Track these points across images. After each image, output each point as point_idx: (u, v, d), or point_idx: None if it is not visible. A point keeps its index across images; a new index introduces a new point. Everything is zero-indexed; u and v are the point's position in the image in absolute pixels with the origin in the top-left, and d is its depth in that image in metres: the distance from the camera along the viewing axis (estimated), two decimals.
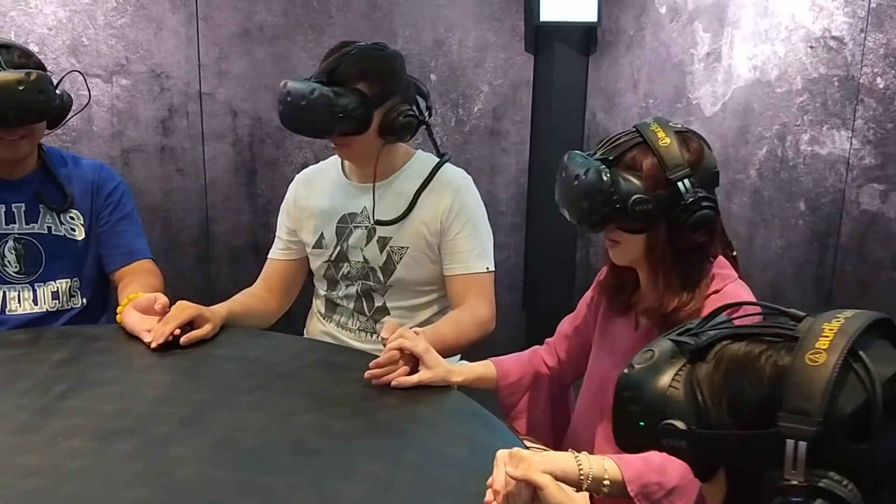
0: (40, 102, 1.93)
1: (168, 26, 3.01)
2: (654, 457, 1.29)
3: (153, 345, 1.82)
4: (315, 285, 2.24)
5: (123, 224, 2.20)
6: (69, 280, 2.14)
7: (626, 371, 0.95)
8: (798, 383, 0.81)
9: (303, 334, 2.30)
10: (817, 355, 0.81)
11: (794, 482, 0.79)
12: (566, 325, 1.85)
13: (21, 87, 1.89)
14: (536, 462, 1.21)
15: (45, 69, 2.02)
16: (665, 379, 0.92)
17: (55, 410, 1.56)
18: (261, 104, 3.16)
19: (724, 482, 0.90)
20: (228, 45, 3.10)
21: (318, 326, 2.22)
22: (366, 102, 1.92)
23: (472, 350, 1.99)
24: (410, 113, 1.98)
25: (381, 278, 2.10)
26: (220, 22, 3.07)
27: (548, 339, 1.87)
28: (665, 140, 1.48)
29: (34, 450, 1.42)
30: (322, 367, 1.81)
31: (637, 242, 1.54)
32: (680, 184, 1.46)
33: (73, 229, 2.14)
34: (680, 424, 0.89)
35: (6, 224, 2.08)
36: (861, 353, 0.81)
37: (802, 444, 0.79)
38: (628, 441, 0.97)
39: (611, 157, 1.50)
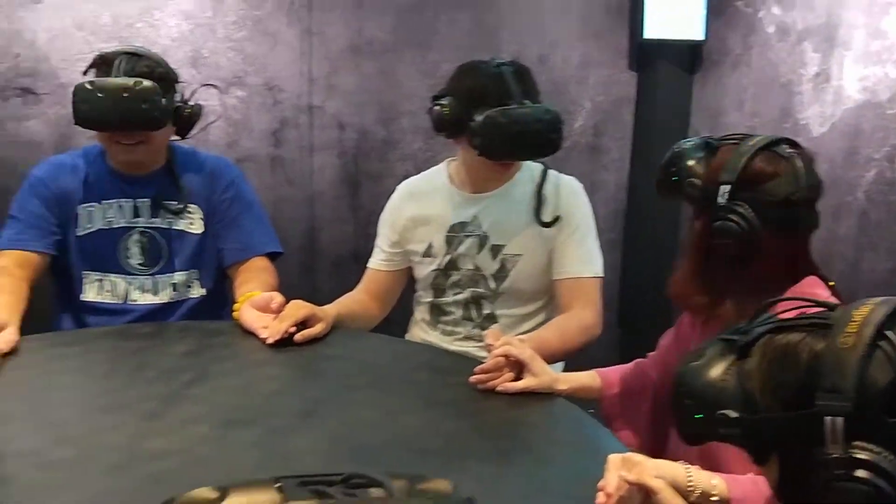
0: (142, 111, 1.98)
1: (283, 41, 3.13)
2: (762, 480, 1.30)
3: (269, 341, 1.89)
4: (418, 293, 2.29)
5: (242, 217, 2.26)
6: (188, 272, 2.23)
7: (680, 368, 1.04)
8: (832, 364, 0.88)
9: None
10: (848, 338, 0.88)
11: (836, 455, 0.86)
12: (667, 338, 1.86)
13: (125, 95, 1.97)
14: (650, 467, 1.23)
15: (173, 81, 2.12)
16: (716, 372, 1.00)
17: (180, 399, 1.65)
18: (367, 118, 3.25)
19: (776, 464, 0.97)
20: (339, 59, 3.20)
21: (420, 334, 2.27)
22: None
23: (570, 364, 2.02)
24: None
25: (493, 286, 2.15)
26: (332, 37, 3.18)
27: (651, 353, 1.88)
28: (746, 150, 1.50)
29: (162, 434, 1.50)
30: (428, 369, 1.86)
31: (690, 230, 1.62)
32: (722, 187, 1.49)
33: (192, 223, 2.23)
34: (732, 413, 0.97)
35: (132, 218, 2.19)
36: (888, 333, 0.88)
37: (839, 420, 0.85)
38: (689, 433, 1.05)
39: (715, 142, 1.58)
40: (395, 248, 2.24)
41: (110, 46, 2.92)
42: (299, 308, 1.95)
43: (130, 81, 1.98)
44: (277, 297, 2.00)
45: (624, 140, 3.41)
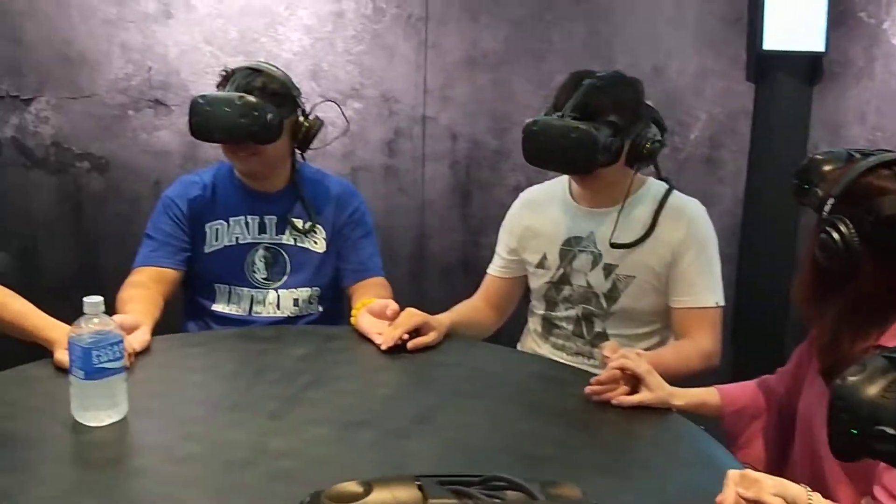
0: (241, 125, 2.06)
1: (400, 54, 3.20)
2: None
3: (382, 346, 1.94)
4: (532, 303, 2.30)
5: (362, 242, 2.34)
6: (309, 289, 2.30)
7: (839, 382, 1.02)
8: None
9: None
10: None
11: None
12: (800, 352, 1.79)
13: (227, 110, 2.06)
14: (769, 485, 1.21)
15: (289, 97, 2.19)
16: (876, 389, 0.98)
17: (300, 400, 1.71)
18: (479, 128, 3.29)
19: None
20: (453, 71, 3.25)
21: (532, 346, 2.28)
22: (619, 133, 1.96)
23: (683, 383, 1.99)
24: (658, 139, 2.01)
25: (604, 305, 2.13)
26: (447, 49, 3.23)
27: (780, 368, 1.83)
28: (864, 164, 1.46)
29: (283, 434, 1.56)
30: (540, 379, 1.87)
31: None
32: (829, 200, 1.47)
33: (316, 242, 2.30)
34: (890, 430, 0.95)
35: (259, 234, 2.28)
36: None
37: None
38: (842, 449, 1.03)
39: (855, 154, 1.53)
40: (513, 255, 2.26)
41: (236, 60, 3.05)
42: (413, 316, 1.99)
43: (235, 96, 2.08)
44: (392, 305, 2.05)
45: (741, 153, 3.35)
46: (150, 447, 1.54)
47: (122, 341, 1.59)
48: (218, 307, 2.29)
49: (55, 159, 3.02)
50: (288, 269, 2.29)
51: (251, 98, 2.08)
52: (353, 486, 0.55)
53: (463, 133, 3.32)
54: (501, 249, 2.29)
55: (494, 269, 2.31)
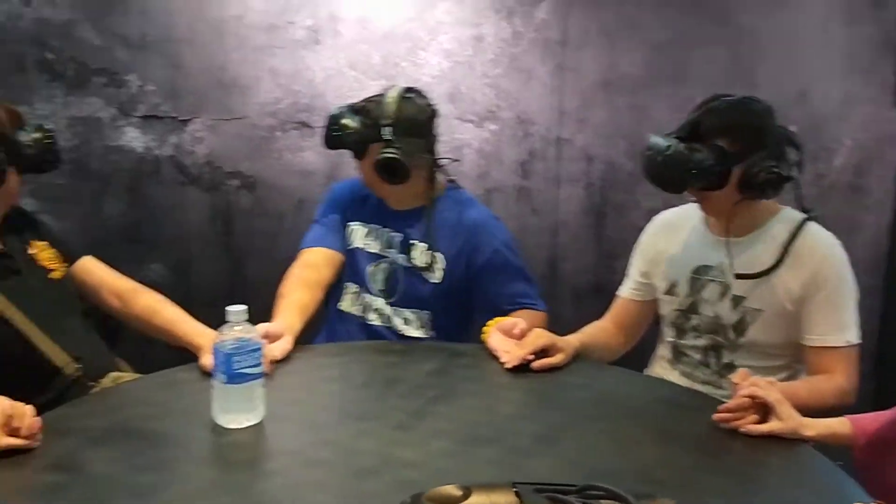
0: (340, 140, 2.26)
1: (536, 77, 3.24)
2: None
3: (507, 365, 1.97)
4: (662, 329, 2.28)
5: (504, 279, 2.33)
6: (419, 312, 2.35)
7: None
8: None
9: None
10: None
11: None
12: None
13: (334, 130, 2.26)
14: None
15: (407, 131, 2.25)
16: None
17: (426, 414, 1.75)
18: (615, 151, 3.29)
19: None
20: (590, 94, 3.26)
21: (661, 372, 2.25)
22: (725, 158, 1.92)
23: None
24: (774, 169, 1.92)
25: (732, 336, 2.08)
26: (585, 73, 3.24)
27: None
28: None
29: (409, 445, 1.60)
30: (668, 404, 1.86)
31: None
32: None
33: (433, 272, 2.33)
34: None
35: (385, 248, 2.36)
36: None
37: None
38: None
39: None
40: (644, 278, 2.25)
41: (378, 84, 3.17)
42: (540, 337, 2.01)
43: (336, 110, 2.26)
44: (521, 324, 2.07)
45: (887, 180, 3.22)
46: (284, 451, 1.62)
47: (261, 348, 1.68)
48: (345, 306, 2.40)
49: (208, 177, 3.20)
50: (400, 289, 2.34)
51: (347, 112, 2.26)
52: (452, 490, 0.58)
53: (598, 155, 3.32)
54: (633, 272, 2.28)
55: (626, 291, 2.30)
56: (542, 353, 2.00)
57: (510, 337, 2.07)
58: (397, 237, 2.36)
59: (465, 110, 3.25)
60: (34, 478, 1.50)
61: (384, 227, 2.37)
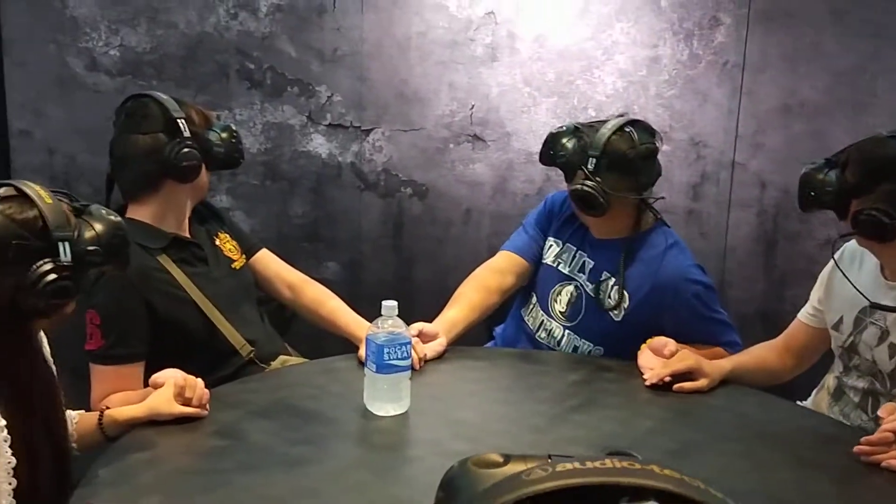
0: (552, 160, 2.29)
1: (712, 99, 3.22)
2: None
3: (646, 382, 2.00)
4: (834, 361, 2.17)
5: (693, 326, 2.25)
6: (593, 345, 2.31)
7: None
8: None
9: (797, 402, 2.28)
10: None
11: None
12: None
13: (549, 149, 2.30)
14: None
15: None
16: None
17: (564, 421, 1.81)
18: (791, 178, 3.18)
19: None
20: (767, 119, 3.20)
21: (826, 400, 2.16)
22: (842, 187, 1.84)
23: None
24: (875, 212, 1.78)
25: (888, 384, 1.97)
26: (763, 97, 3.19)
27: None
28: None
29: (543, 448, 1.64)
30: (810, 434, 1.83)
31: None
32: None
33: (616, 307, 2.27)
34: None
35: (577, 271, 2.35)
36: None
37: None
38: None
39: None
40: (820, 305, 2.14)
41: (550, 101, 3.25)
42: (685, 359, 2.02)
43: (554, 130, 2.31)
44: (671, 345, 2.08)
45: None
46: (424, 440, 1.73)
47: (409, 343, 1.80)
48: (525, 313, 2.44)
49: (384, 184, 3.38)
50: (580, 316, 2.32)
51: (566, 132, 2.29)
52: (494, 457, 0.65)
53: (773, 181, 3.25)
54: (814, 297, 2.17)
55: (803, 314, 2.19)
56: (688, 375, 2.01)
57: (659, 356, 2.08)
58: (590, 264, 2.34)
59: None
60: (201, 442, 1.68)
61: (580, 249, 2.36)
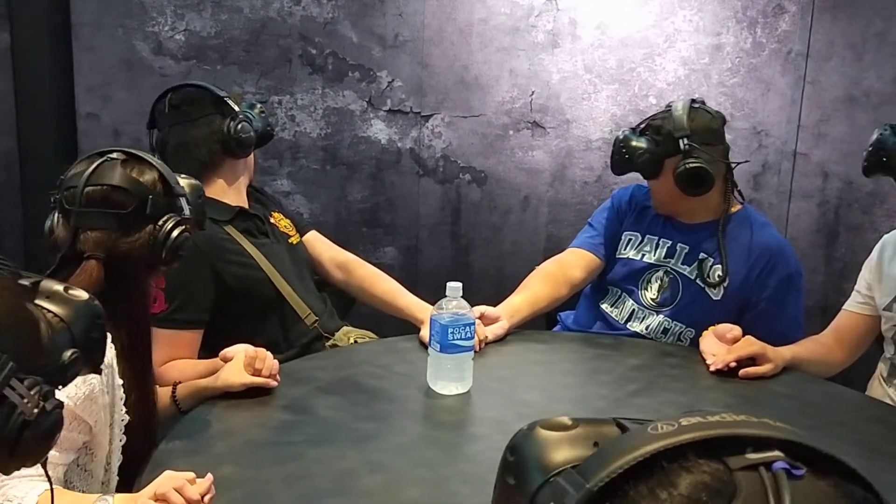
0: (618, 160, 2.29)
1: (776, 88, 3.18)
2: None
3: (711, 368, 2.00)
4: (883, 348, 2.21)
5: (773, 309, 2.26)
6: (685, 328, 2.29)
7: None
8: None
9: None
10: None
11: None
12: None
13: (616, 144, 2.29)
14: None
15: (675, 138, 2.21)
16: None
17: (626, 404, 1.82)
18: (854, 168, 3.15)
19: None
20: (832, 108, 3.16)
21: (879, 390, 2.18)
22: None
23: None
24: None
25: None
26: (827, 86, 3.15)
27: None
28: None
29: None
30: (880, 423, 1.81)
31: None
32: None
33: (715, 287, 2.27)
34: None
35: (665, 258, 2.34)
36: None
37: None
38: None
39: None
40: (869, 291, 2.17)
41: (611, 88, 3.25)
42: (750, 344, 2.01)
43: (622, 135, 2.29)
44: (735, 330, 2.07)
45: None
46: (486, 419, 1.75)
47: (473, 324, 1.82)
48: (606, 307, 2.41)
49: (443, 170, 3.40)
50: (677, 300, 2.31)
51: (633, 138, 2.28)
52: (564, 420, 0.66)
53: (836, 172, 3.21)
54: (860, 285, 2.21)
55: (852, 304, 2.22)
56: (752, 361, 2.00)
57: (723, 342, 2.08)
58: (684, 248, 2.33)
59: None
60: (271, 415, 1.72)
61: (666, 238, 2.35)
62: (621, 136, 2.29)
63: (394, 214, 3.45)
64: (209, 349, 1.98)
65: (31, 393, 0.89)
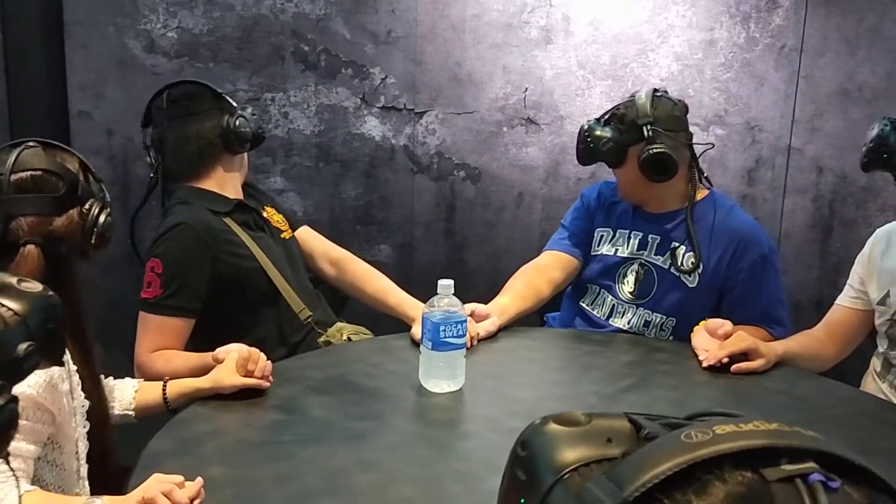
0: (585, 149, 2.29)
1: (769, 83, 3.18)
2: None
3: (703, 364, 1.99)
4: (876, 343, 2.21)
5: (751, 291, 2.28)
6: (665, 317, 2.31)
7: None
8: None
9: None
10: None
11: None
12: None
13: (583, 135, 2.29)
14: None
15: (639, 126, 2.22)
16: None
17: (618, 400, 1.82)
18: (849, 163, 3.16)
19: None
20: (825, 103, 3.16)
21: (872, 385, 2.18)
22: None
23: None
24: None
25: None
26: (821, 81, 3.15)
27: None
28: None
29: None
30: (870, 418, 1.81)
31: None
32: None
33: (689, 275, 2.29)
34: None
35: (637, 250, 2.35)
36: None
37: None
38: None
39: None
40: (861, 286, 2.18)
41: (605, 84, 3.24)
42: (742, 340, 2.01)
43: (586, 125, 2.30)
44: (726, 325, 2.07)
45: None
46: (479, 416, 1.75)
47: (465, 322, 1.81)
48: (587, 304, 2.42)
49: (437, 167, 3.39)
50: (654, 291, 2.32)
51: (597, 127, 2.28)
52: (578, 415, 0.66)
53: (830, 167, 3.21)
54: (853, 280, 2.21)
55: (844, 298, 2.23)
56: (744, 356, 2.00)
57: (714, 337, 2.08)
58: (655, 238, 2.34)
59: (693, 114, 3.18)
60: (262, 415, 1.71)
61: (637, 230, 2.36)
62: (586, 127, 2.30)
63: (388, 212, 3.45)
64: (203, 342, 1.98)
65: None
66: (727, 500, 0.52)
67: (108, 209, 1.54)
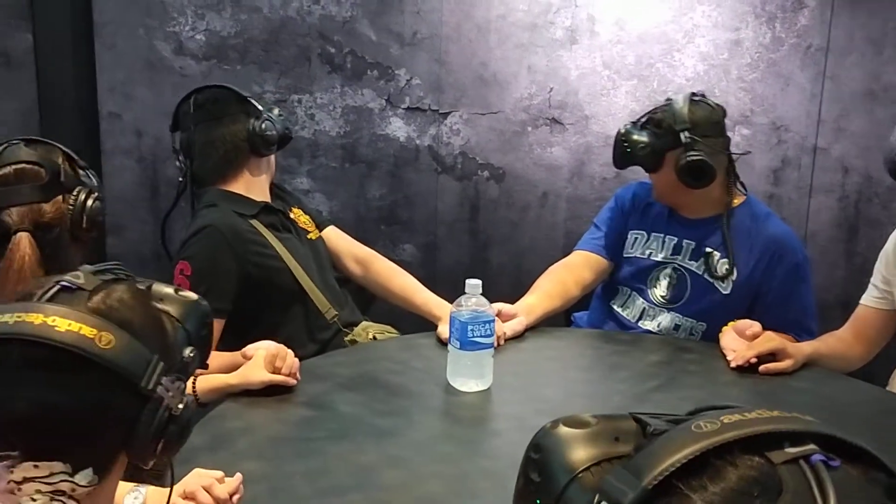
0: (621, 154, 2.29)
1: (795, 83, 3.17)
2: None
3: (732, 364, 2.00)
4: None
5: (783, 299, 2.28)
6: (696, 322, 2.31)
7: None
8: None
9: None
10: None
11: None
12: None
13: (620, 139, 2.29)
14: None
15: (675, 132, 2.20)
16: None
17: (644, 400, 1.82)
18: (874, 163, 3.15)
19: None
20: (851, 103, 3.15)
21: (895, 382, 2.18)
22: None
23: None
24: None
25: None
26: (847, 81, 3.14)
27: None
28: None
29: None
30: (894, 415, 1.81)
31: None
32: None
33: (723, 281, 2.28)
34: None
35: (671, 254, 2.34)
36: None
37: None
38: None
39: None
40: (887, 285, 2.16)
41: (630, 84, 3.25)
42: (770, 340, 2.01)
43: (623, 129, 2.29)
44: (755, 326, 2.07)
45: None
46: (506, 415, 1.76)
47: (493, 321, 1.83)
48: (617, 306, 2.42)
49: (461, 167, 3.40)
50: (686, 296, 2.32)
51: (635, 132, 2.27)
52: (586, 417, 0.68)
53: (856, 167, 3.20)
54: (877, 279, 2.20)
55: (868, 298, 2.21)
56: (771, 356, 2.00)
57: (742, 338, 2.08)
58: (690, 244, 2.33)
59: None
60: (292, 411, 1.74)
61: (672, 235, 2.35)
62: (622, 131, 2.29)
63: (412, 212, 3.47)
64: (233, 340, 2.01)
65: (175, 388, 0.95)
66: (740, 483, 0.56)
67: (96, 194, 1.59)
